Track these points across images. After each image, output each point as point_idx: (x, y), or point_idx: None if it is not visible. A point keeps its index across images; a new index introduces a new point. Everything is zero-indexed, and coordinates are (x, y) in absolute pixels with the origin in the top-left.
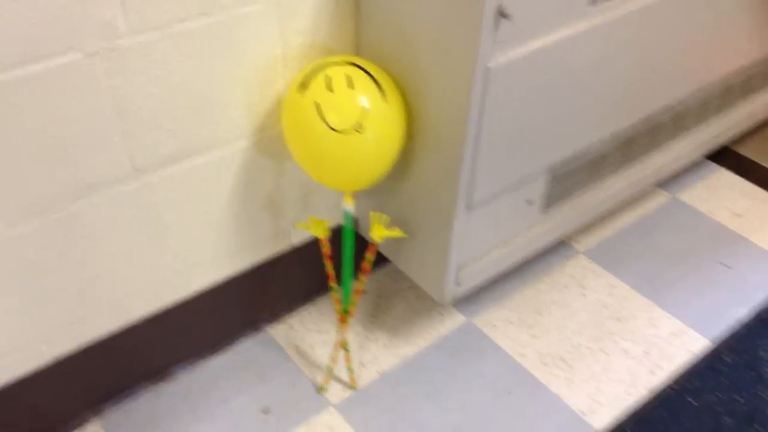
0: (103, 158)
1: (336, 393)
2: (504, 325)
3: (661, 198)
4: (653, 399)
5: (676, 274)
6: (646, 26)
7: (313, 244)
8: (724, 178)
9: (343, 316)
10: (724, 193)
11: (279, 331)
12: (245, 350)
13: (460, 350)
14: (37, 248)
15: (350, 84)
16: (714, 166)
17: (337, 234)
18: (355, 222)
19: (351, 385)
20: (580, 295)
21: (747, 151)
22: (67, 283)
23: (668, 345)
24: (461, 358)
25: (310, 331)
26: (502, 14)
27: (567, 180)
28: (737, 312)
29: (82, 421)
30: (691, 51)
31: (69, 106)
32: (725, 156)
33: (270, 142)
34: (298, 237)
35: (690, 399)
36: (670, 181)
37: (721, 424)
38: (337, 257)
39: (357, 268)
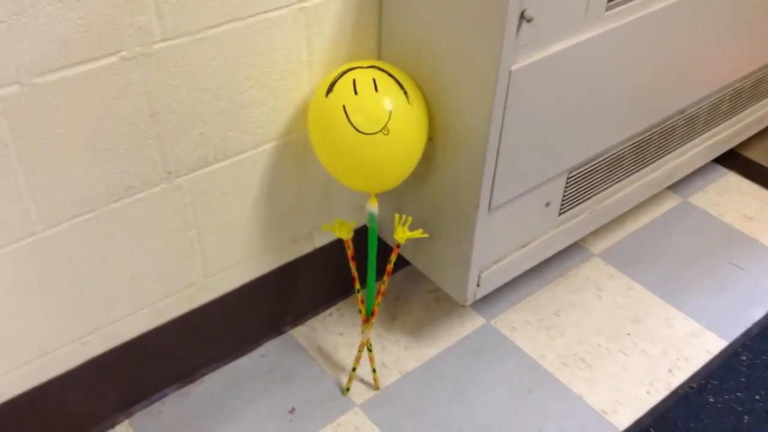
0: (138, 160)
1: (360, 393)
2: (523, 326)
3: (673, 201)
4: (673, 397)
5: (690, 276)
6: (660, 30)
7: (334, 247)
8: (733, 181)
9: (367, 317)
10: (733, 197)
11: (302, 333)
12: (270, 352)
13: (481, 352)
14: (73, 249)
15: (375, 87)
16: (723, 169)
17: (358, 236)
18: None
19: (375, 386)
20: (597, 297)
21: (754, 154)
22: (103, 283)
23: (685, 345)
24: (482, 360)
25: (332, 334)
26: (524, 18)
27: (584, 182)
28: (752, 313)
29: (112, 422)
30: (703, 55)
31: (106, 109)
32: (733, 160)
33: (295, 145)
34: (320, 239)
35: (709, 397)
36: (681, 184)
37: (741, 422)
38: (359, 259)
39: (379, 270)
